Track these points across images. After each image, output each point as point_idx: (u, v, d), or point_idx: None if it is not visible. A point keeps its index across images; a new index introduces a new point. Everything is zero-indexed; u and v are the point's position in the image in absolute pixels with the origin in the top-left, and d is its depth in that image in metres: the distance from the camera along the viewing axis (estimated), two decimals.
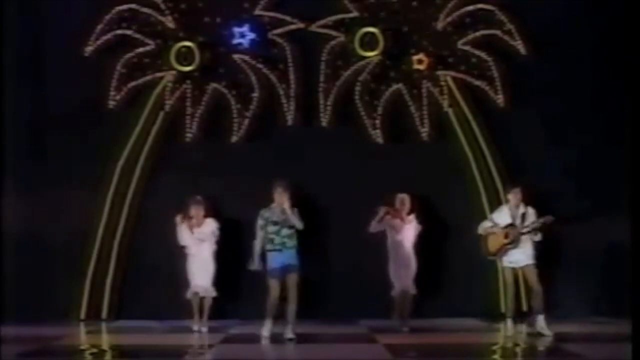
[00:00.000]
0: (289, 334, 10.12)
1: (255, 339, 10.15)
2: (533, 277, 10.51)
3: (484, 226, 10.84)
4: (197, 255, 11.19)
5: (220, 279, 11.52)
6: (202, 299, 11.17)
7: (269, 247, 10.18)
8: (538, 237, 10.57)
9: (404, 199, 11.27)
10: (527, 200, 10.69)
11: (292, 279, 10.16)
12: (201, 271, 11.16)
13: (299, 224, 10.15)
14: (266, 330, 10.19)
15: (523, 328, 10.77)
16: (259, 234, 10.20)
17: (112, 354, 9.89)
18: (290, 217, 10.12)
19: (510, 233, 10.52)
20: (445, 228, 12.07)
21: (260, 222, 10.21)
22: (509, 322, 10.71)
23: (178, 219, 11.26)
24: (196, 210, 11.20)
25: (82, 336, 11.16)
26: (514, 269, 10.67)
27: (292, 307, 10.16)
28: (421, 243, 11.27)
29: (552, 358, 9.57)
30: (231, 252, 11.53)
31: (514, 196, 10.70)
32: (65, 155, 12.17)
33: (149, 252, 11.72)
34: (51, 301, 11.92)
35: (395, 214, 11.14)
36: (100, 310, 12.06)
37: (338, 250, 11.90)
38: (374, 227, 11.04)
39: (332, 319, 11.50)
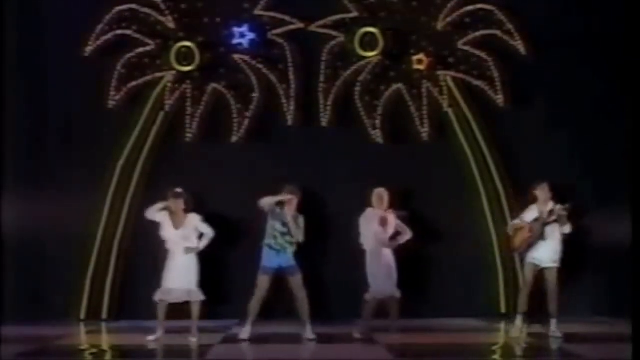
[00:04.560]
0: (309, 334, 10.13)
1: (255, 339, 10.15)
2: (553, 280, 10.30)
3: (512, 224, 10.64)
4: (177, 255, 10.15)
5: (219, 280, 11.53)
6: (189, 303, 10.23)
7: (268, 242, 10.16)
8: (567, 229, 10.35)
9: (381, 194, 10.82)
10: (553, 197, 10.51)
11: (296, 281, 10.16)
12: (181, 274, 10.09)
13: (299, 237, 10.11)
14: (245, 332, 10.14)
15: (525, 328, 10.75)
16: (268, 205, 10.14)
17: (112, 354, 9.90)
18: (292, 228, 10.08)
19: (534, 226, 10.34)
20: (445, 228, 12.07)
21: (270, 210, 10.17)
22: (519, 319, 10.42)
23: (160, 212, 10.25)
24: (176, 205, 10.17)
25: (82, 336, 11.17)
26: (536, 267, 10.37)
27: (304, 308, 10.16)
28: (421, 243, 11.25)
29: (552, 358, 9.57)
30: (230, 252, 11.53)
31: (541, 192, 10.46)
32: (65, 156, 12.18)
33: (149, 253, 11.69)
34: (51, 301, 11.93)
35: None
36: (100, 310, 12.07)
37: (338, 250, 11.88)
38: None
39: (332, 319, 11.50)
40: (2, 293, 11.91)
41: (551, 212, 10.34)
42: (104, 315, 12.06)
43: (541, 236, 10.30)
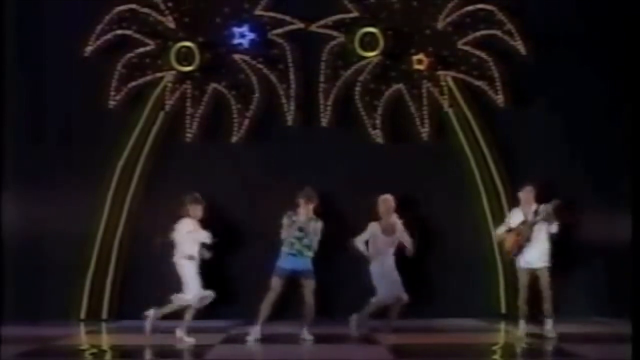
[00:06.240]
0: (305, 335, 10.13)
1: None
2: (545, 280, 10.30)
3: (499, 232, 10.69)
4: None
5: (220, 280, 11.52)
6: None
7: (286, 249, 10.09)
8: (554, 228, 10.34)
9: (387, 200, 10.92)
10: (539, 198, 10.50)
11: (309, 285, 10.09)
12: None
13: (314, 244, 10.03)
14: (256, 332, 10.10)
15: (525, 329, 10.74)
16: (286, 231, 10.05)
17: (112, 354, 9.90)
18: (312, 237, 10.00)
19: (522, 228, 10.34)
20: (445, 228, 12.07)
21: (286, 220, 10.05)
22: (522, 323, 10.43)
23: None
24: (194, 211, 10.16)
25: (82, 336, 11.17)
26: (528, 270, 10.37)
27: (309, 314, 10.13)
28: (421, 243, 11.24)
29: (553, 358, 9.57)
30: (231, 253, 11.53)
31: (525, 194, 10.48)
32: (65, 156, 12.18)
33: (149, 253, 11.70)
34: (51, 301, 11.93)
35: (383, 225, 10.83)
36: (100, 310, 12.07)
37: (338, 250, 11.86)
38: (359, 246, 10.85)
39: (332, 319, 11.49)
40: (2, 293, 11.93)
41: (536, 212, 10.34)
42: (104, 315, 12.07)
43: (529, 237, 10.30)
